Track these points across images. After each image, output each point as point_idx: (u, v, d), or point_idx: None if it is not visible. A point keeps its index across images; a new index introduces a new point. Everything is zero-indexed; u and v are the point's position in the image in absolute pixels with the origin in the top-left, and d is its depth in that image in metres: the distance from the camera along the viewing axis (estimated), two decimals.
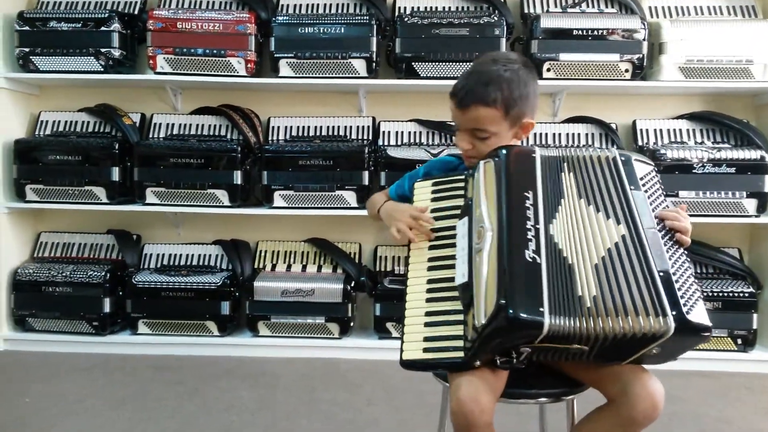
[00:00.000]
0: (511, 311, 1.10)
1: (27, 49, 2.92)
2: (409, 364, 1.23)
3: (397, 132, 3.06)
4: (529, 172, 1.28)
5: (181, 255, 3.12)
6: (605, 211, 1.24)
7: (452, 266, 1.28)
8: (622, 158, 1.31)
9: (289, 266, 3.06)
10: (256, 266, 3.08)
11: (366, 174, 2.88)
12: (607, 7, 2.98)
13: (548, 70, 2.83)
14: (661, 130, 2.99)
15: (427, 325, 1.25)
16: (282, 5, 3.10)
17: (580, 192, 1.26)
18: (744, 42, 2.78)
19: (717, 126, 2.97)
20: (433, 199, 1.41)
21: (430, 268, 1.32)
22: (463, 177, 1.39)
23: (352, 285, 2.92)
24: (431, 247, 1.35)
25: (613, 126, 3.00)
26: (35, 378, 2.60)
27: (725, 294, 2.77)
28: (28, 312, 2.94)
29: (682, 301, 1.13)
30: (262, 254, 3.13)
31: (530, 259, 1.17)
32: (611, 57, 2.80)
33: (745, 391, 2.58)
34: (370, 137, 3.06)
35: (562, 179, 1.28)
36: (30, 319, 2.94)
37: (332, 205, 2.90)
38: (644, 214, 1.24)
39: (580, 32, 2.81)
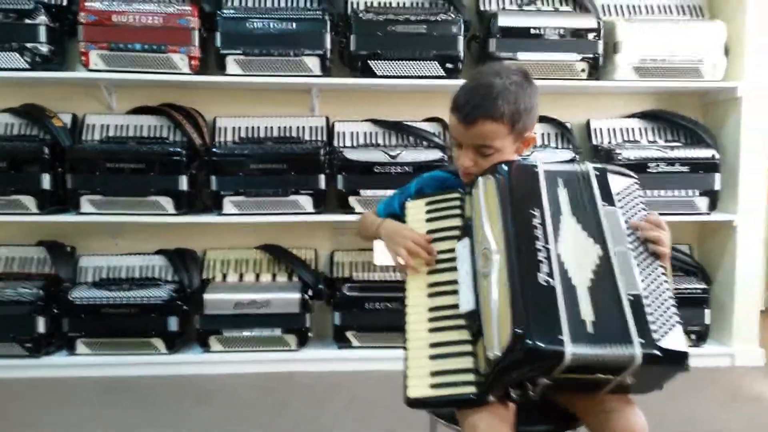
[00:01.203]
0: (528, 341, 1.02)
1: None
2: (416, 403, 1.14)
3: (352, 132, 2.94)
4: (534, 189, 1.20)
5: (121, 267, 2.89)
6: (588, 230, 1.18)
7: (454, 292, 1.20)
8: (596, 172, 1.25)
9: (241, 276, 2.90)
10: (204, 277, 2.90)
11: (322, 177, 2.75)
12: (561, 5, 2.95)
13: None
14: (614, 129, 3.00)
15: (432, 357, 1.15)
16: None
17: (572, 209, 1.20)
18: (694, 42, 2.82)
19: (668, 124, 3.01)
20: (428, 220, 1.31)
21: (430, 295, 1.23)
22: (459, 195, 1.30)
23: (310, 294, 2.79)
24: (430, 272, 1.25)
25: (568, 125, 2.99)
26: None
27: (678, 291, 2.83)
28: None
29: (653, 327, 1.08)
30: (211, 264, 2.94)
31: (544, 283, 1.09)
32: (569, 56, 2.77)
33: (702, 384, 2.63)
34: (324, 138, 2.93)
35: (559, 195, 1.21)
36: None
37: (287, 211, 2.75)
38: (616, 232, 1.18)
39: (537, 31, 2.77)
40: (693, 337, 2.85)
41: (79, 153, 2.71)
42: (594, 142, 2.97)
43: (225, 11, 2.74)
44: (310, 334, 2.78)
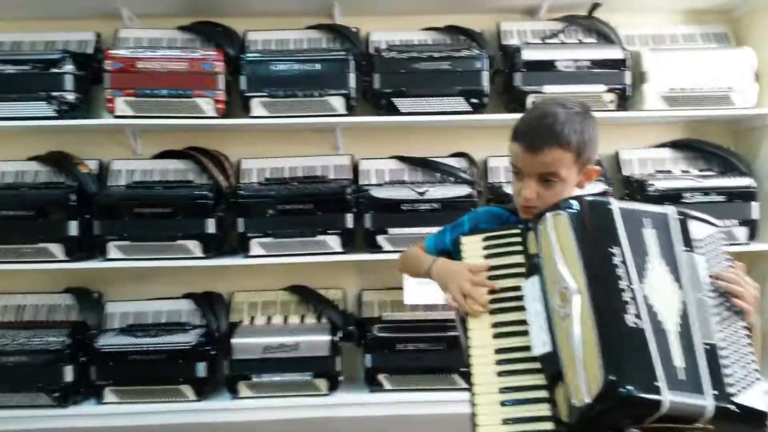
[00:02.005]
0: (623, 389, 0.97)
1: None
2: None
3: (378, 170, 2.91)
4: (610, 226, 1.16)
5: (148, 312, 2.86)
6: (674, 273, 1.13)
7: (522, 333, 1.15)
8: (678, 216, 1.21)
9: (268, 318, 2.84)
10: (232, 320, 2.85)
11: (349, 216, 2.72)
12: (585, 37, 2.93)
13: (533, 102, 2.74)
14: (645, 160, 2.95)
15: (504, 404, 1.10)
16: (250, 41, 2.93)
17: (660, 250, 1.15)
18: (723, 69, 2.78)
19: (700, 153, 2.95)
20: (487, 256, 1.26)
21: (496, 335, 1.18)
22: (519, 231, 1.25)
23: (339, 335, 2.73)
24: (494, 311, 1.20)
25: (598, 158, 2.94)
26: None
27: None
28: None
29: (729, 381, 1.02)
30: (239, 306, 2.90)
31: (633, 325, 1.03)
32: (596, 88, 2.74)
33: None
34: (350, 176, 2.90)
35: (645, 235, 1.17)
36: None
37: (314, 251, 2.71)
38: (695, 279, 1.14)
39: (562, 63, 2.74)
40: None
41: (105, 199, 2.70)
42: (625, 173, 2.92)
43: (249, 54, 2.75)
44: (340, 378, 2.70)
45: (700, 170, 2.89)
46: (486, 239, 1.29)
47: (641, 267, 1.12)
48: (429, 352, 2.64)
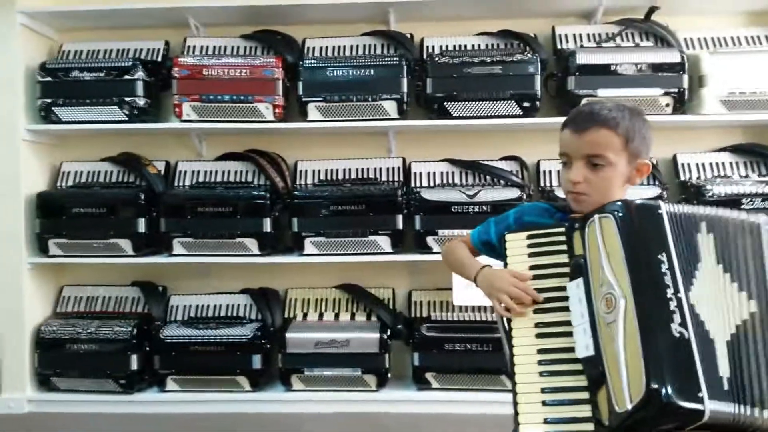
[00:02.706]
0: (665, 397, 0.98)
1: (49, 101, 2.86)
2: None
3: (429, 173, 2.96)
4: (659, 231, 1.14)
5: (208, 306, 3.00)
6: (739, 282, 1.11)
7: (565, 334, 1.16)
8: (766, 228, 1.16)
9: (321, 314, 2.94)
10: (286, 315, 2.96)
11: (400, 218, 2.78)
12: (642, 40, 2.90)
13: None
14: (703, 164, 2.89)
15: (545, 404, 1.11)
16: (308, 48, 3.03)
17: (719, 257, 1.13)
18: None
19: (760, 158, 2.87)
20: (531, 254, 1.27)
21: (538, 335, 1.19)
22: (563, 230, 1.25)
23: (388, 333, 2.80)
24: (537, 311, 1.21)
25: (654, 161, 2.90)
26: None
27: None
28: (52, 371, 2.82)
29: None
30: (292, 302, 3.01)
31: (677, 335, 1.04)
32: (652, 92, 2.71)
33: None
34: (401, 179, 2.97)
35: (698, 240, 1.14)
36: (54, 378, 2.82)
37: (365, 251, 2.79)
38: None
39: (617, 67, 2.72)
40: None
41: (171, 198, 2.86)
42: (682, 177, 2.87)
43: (306, 61, 2.85)
44: (389, 375, 2.77)
45: (761, 175, 2.81)
46: (530, 237, 1.28)
47: (690, 274, 1.11)
48: (476, 353, 2.68)
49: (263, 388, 2.82)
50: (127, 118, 2.86)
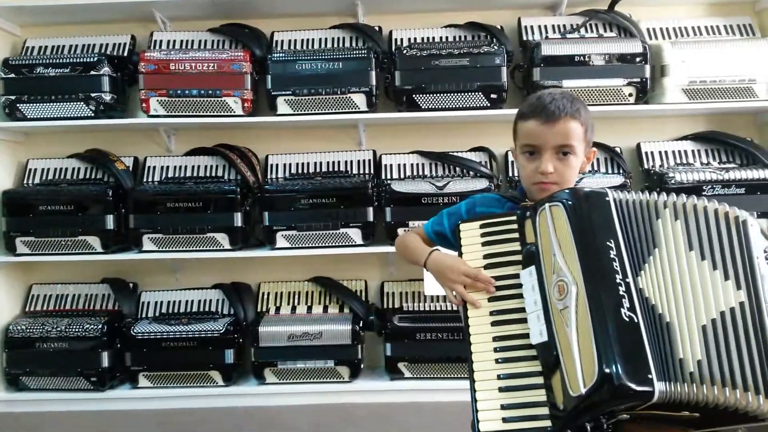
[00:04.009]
0: (617, 381, 1.02)
1: (13, 97, 2.82)
2: None
3: (399, 165, 2.99)
4: (607, 218, 1.17)
5: (179, 302, 2.99)
6: (724, 271, 1.11)
7: (519, 321, 1.18)
8: (751, 223, 1.17)
9: (293, 308, 2.95)
10: (258, 309, 2.97)
11: (371, 210, 2.80)
12: (605, 31, 2.95)
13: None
14: (666, 152, 2.95)
15: (502, 390, 1.14)
16: (276, 41, 3.03)
17: (692, 244, 1.14)
18: (746, 61, 2.76)
19: (721, 146, 2.93)
20: (484, 243, 1.28)
21: (494, 323, 1.21)
22: (515, 218, 1.27)
23: (361, 325, 2.82)
24: (491, 299, 1.23)
25: (618, 150, 2.96)
26: None
27: None
28: (21, 371, 2.79)
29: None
30: (265, 296, 3.02)
31: (627, 319, 1.07)
32: (615, 82, 2.76)
33: None
34: (372, 171, 2.99)
35: (659, 227, 1.16)
36: (24, 377, 2.79)
37: (337, 244, 2.80)
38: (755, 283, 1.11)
39: (581, 58, 2.77)
40: None
41: (140, 194, 2.84)
42: (645, 166, 2.92)
43: (275, 55, 2.85)
44: (362, 366, 2.79)
45: (721, 163, 2.88)
46: (484, 226, 1.29)
47: (639, 260, 1.13)
48: (447, 342, 2.71)
49: (236, 383, 2.82)
50: (93, 114, 2.83)
